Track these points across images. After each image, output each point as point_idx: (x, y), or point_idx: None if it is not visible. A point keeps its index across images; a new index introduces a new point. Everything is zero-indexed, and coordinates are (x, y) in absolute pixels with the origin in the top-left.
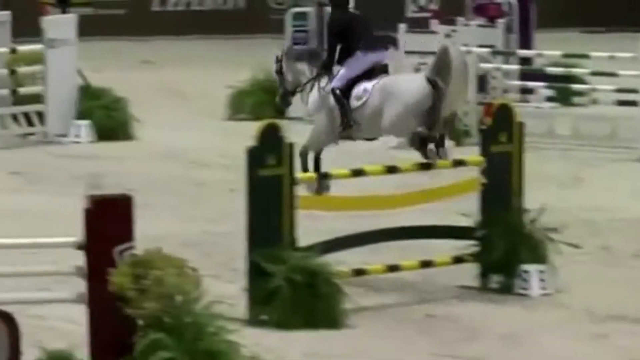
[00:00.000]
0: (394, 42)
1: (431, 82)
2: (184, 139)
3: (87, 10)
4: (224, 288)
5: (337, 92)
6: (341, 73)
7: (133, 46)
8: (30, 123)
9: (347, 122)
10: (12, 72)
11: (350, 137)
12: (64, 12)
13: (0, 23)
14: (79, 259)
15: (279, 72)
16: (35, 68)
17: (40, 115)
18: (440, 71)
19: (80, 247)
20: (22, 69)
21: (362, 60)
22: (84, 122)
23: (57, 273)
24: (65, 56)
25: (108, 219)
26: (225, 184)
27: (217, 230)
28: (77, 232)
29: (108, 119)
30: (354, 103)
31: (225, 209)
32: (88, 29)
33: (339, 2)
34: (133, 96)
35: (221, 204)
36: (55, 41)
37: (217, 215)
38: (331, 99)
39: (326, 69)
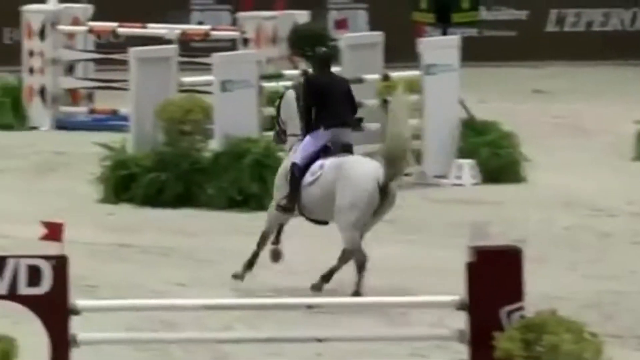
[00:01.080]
0: (359, 125)
1: (381, 187)
2: (582, 183)
3: (471, 31)
4: (629, 356)
5: (295, 168)
6: (302, 147)
7: (523, 73)
8: None
9: (291, 201)
10: (385, 102)
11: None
12: (444, 33)
13: (371, 45)
14: (460, 320)
15: (277, 109)
16: (411, 98)
17: (416, 153)
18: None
19: (461, 306)
20: None
21: (322, 135)
22: (467, 162)
23: (435, 337)
24: (445, 84)
25: (494, 275)
26: (632, 236)
27: (622, 289)
28: (458, 289)
29: (494, 158)
30: (308, 178)
31: (631, 265)
32: (472, 52)
33: (322, 62)
34: (523, 131)
35: (627, 259)
36: (434, 67)
37: (622, 271)
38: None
39: (304, 134)
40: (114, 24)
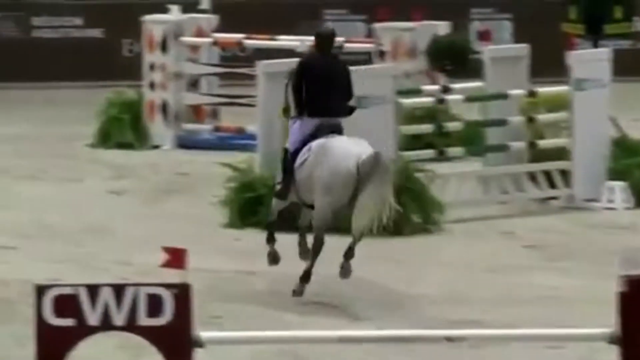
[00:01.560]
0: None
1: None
2: None
3: (623, 43)
4: None
5: (288, 153)
6: (292, 132)
7: None
8: (552, 184)
9: (284, 187)
10: (530, 120)
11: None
12: (595, 45)
13: (516, 59)
14: (612, 355)
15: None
16: (559, 115)
17: (564, 174)
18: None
19: (613, 340)
20: (543, 117)
21: (309, 123)
22: (619, 184)
23: None
24: (595, 100)
25: None
26: None
27: None
28: (609, 320)
29: None
30: (297, 162)
31: None
32: (624, 66)
33: (323, 42)
34: None
35: None
36: (585, 82)
37: None
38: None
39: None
40: (241, 36)
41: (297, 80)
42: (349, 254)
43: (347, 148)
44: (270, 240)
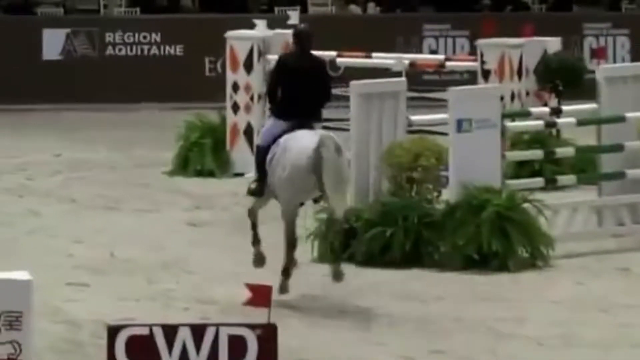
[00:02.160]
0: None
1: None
2: None
3: None
4: None
5: (258, 149)
6: (265, 128)
7: None
8: None
9: (258, 184)
10: None
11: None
12: None
13: (633, 78)
14: None
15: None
16: None
17: None
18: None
19: None
20: None
21: (281, 123)
22: None
23: None
24: None
25: None
26: None
27: None
28: None
29: None
30: (268, 158)
31: None
32: None
33: (302, 41)
34: None
35: None
36: None
37: None
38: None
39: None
40: (333, 53)
41: (272, 79)
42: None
43: (302, 141)
44: (255, 242)
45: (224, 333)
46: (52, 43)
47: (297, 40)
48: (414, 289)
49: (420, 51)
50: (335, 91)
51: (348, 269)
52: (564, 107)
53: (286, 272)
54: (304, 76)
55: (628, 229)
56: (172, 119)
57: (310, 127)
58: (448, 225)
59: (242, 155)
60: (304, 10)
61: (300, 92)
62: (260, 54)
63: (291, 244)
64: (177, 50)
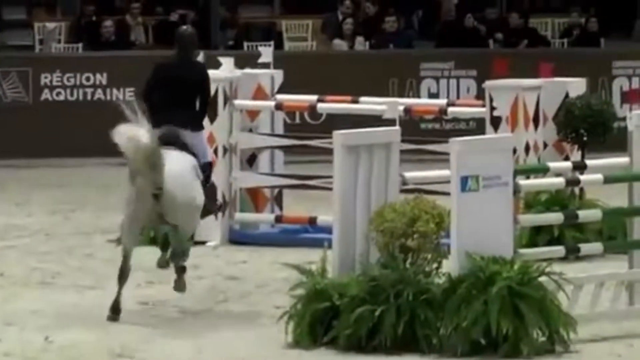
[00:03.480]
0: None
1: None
2: None
3: None
4: None
5: None
6: None
7: None
8: None
9: None
10: None
11: None
12: None
13: None
14: None
15: None
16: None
17: None
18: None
19: None
20: None
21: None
22: None
23: None
24: None
25: None
26: None
27: None
28: None
29: None
30: None
31: None
32: None
33: (184, 45)
34: None
35: None
36: None
37: None
38: None
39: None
40: (313, 98)
41: (146, 86)
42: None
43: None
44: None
45: None
46: None
47: (177, 45)
48: None
49: (417, 95)
50: (316, 143)
51: (329, 355)
52: (589, 162)
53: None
54: (177, 82)
55: None
56: (120, 176)
57: (177, 137)
58: (449, 303)
59: (203, 221)
60: (278, 45)
61: (172, 99)
62: (226, 99)
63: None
64: (127, 94)
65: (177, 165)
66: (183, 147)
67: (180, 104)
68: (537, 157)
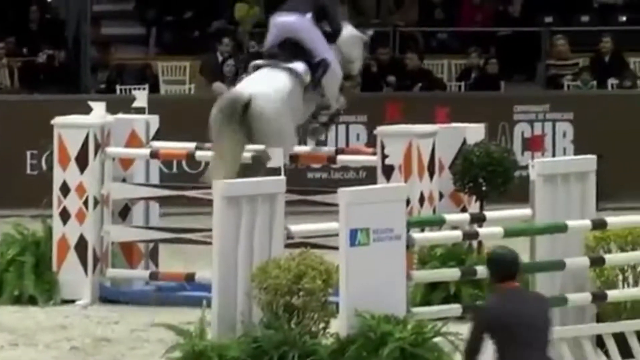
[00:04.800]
0: None
1: None
2: None
3: None
4: None
5: None
6: None
7: None
8: (626, 353)
9: None
10: (598, 262)
11: None
12: None
13: (578, 177)
14: None
15: None
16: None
17: None
18: None
19: None
20: (616, 257)
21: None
22: None
23: None
24: None
25: None
26: None
27: None
28: None
29: None
30: None
31: None
32: None
33: None
34: None
35: None
36: None
37: None
38: None
39: None
40: (191, 145)
41: None
42: None
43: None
44: None
45: None
46: None
47: None
48: None
49: (304, 142)
50: (194, 193)
51: None
52: (488, 213)
53: None
54: None
55: None
56: None
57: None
58: None
59: (72, 277)
60: (154, 88)
61: None
62: (97, 146)
63: None
64: None
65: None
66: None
67: None
68: (432, 208)
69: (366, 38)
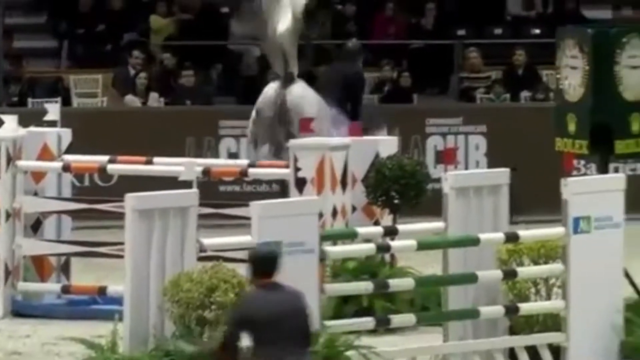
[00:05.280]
0: None
1: None
2: None
3: None
4: None
5: None
6: None
7: None
8: None
9: None
10: (510, 275)
11: None
12: (603, 168)
13: (490, 190)
14: None
15: None
16: (550, 268)
17: (557, 351)
18: None
19: None
20: (528, 270)
21: None
22: None
23: None
24: (603, 247)
25: None
26: None
27: None
28: None
29: None
30: None
31: None
32: None
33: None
34: None
35: None
36: (587, 221)
37: None
38: None
39: None
40: (103, 158)
41: None
42: None
43: None
44: None
45: None
46: None
47: None
48: None
49: (216, 155)
50: (106, 207)
51: None
52: (401, 227)
53: None
54: None
55: None
56: None
57: None
58: None
59: None
60: (66, 101)
61: None
62: (9, 159)
63: None
64: None
65: None
66: None
67: None
68: (345, 221)
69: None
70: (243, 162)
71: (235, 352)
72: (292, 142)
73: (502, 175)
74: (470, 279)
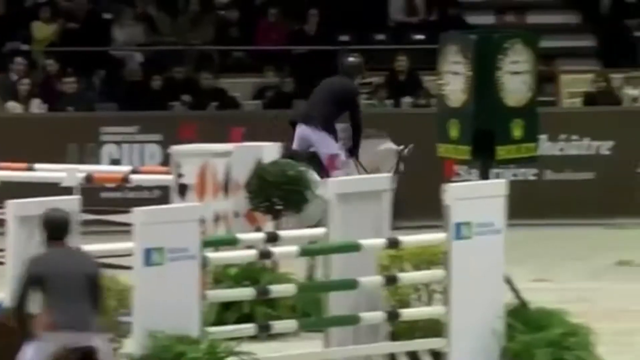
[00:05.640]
0: None
1: None
2: None
3: (525, 172)
4: None
5: None
6: None
7: (604, 236)
8: None
9: None
10: (391, 281)
11: None
12: (484, 174)
13: (372, 195)
14: None
15: None
16: (431, 274)
17: (438, 357)
18: None
19: None
20: (409, 276)
21: None
22: None
23: None
24: (484, 253)
25: None
26: None
27: None
28: None
29: None
30: None
31: None
32: (526, 205)
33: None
34: (601, 324)
35: None
36: (467, 227)
37: None
38: None
39: None
40: None
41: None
42: None
43: None
44: None
45: None
46: None
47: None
48: None
49: (98, 161)
50: None
51: None
52: (283, 233)
53: None
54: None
55: None
56: None
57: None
58: None
59: None
60: None
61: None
62: None
63: None
64: None
65: None
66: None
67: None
68: (227, 228)
69: (405, 152)
70: (126, 168)
71: (26, 310)
72: (174, 149)
73: (383, 181)
74: (351, 285)
